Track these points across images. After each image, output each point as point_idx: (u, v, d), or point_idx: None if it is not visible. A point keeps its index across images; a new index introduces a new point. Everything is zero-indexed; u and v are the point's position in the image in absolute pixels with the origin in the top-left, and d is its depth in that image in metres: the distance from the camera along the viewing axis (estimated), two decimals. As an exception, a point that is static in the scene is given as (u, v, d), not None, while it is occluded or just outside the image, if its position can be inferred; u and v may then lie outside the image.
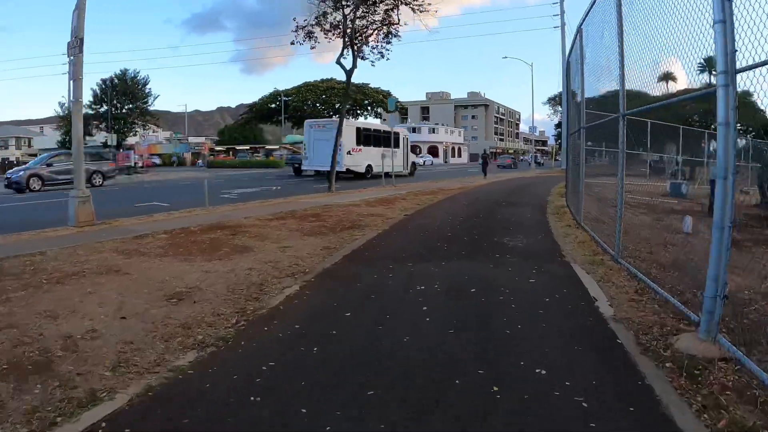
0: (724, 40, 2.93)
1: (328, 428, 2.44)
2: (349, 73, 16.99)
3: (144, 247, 6.75)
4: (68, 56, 9.13)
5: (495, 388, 2.79)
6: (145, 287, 4.82)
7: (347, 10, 16.14)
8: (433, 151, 71.76)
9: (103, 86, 52.30)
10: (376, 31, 16.95)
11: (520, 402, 2.65)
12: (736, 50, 2.87)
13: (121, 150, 44.86)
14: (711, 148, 16.09)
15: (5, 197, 16.84)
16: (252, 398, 2.74)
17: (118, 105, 52.60)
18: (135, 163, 38.45)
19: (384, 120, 47.09)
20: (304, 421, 2.52)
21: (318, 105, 58.82)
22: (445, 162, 72.24)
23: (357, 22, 16.40)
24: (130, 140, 55.42)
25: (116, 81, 52.67)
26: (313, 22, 16.45)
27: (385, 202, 12.89)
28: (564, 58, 29.96)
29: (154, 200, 14.45)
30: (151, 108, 56.04)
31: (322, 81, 59.13)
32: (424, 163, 52.85)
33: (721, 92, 2.97)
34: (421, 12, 16.48)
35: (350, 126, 25.90)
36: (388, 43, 17.16)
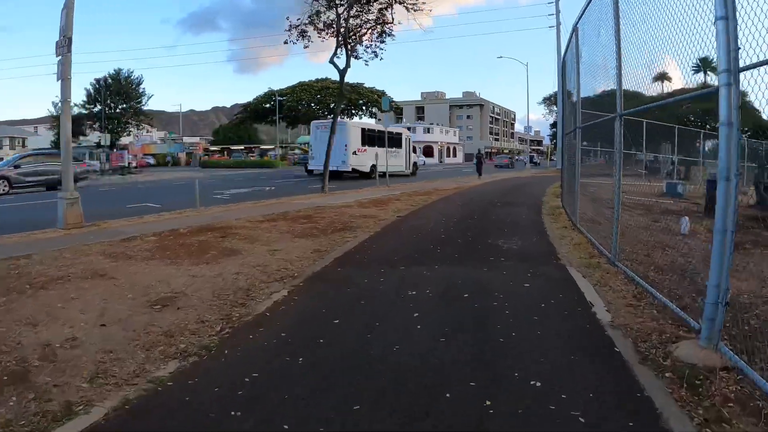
0: (726, 38, 2.83)
1: (312, 445, 2.31)
2: (342, 73, 16.83)
3: (131, 250, 6.60)
4: (57, 55, 8.97)
5: (488, 402, 2.66)
6: (130, 292, 4.69)
7: (341, 9, 15.96)
8: (428, 150, 71.70)
9: (97, 86, 52.12)
10: (369, 31, 16.78)
11: (514, 417, 2.53)
12: (739, 48, 2.77)
13: (115, 150, 44.58)
14: (707, 148, 16.09)
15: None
16: (234, 411, 2.61)
17: (112, 105, 52.41)
18: (129, 163, 38.04)
19: (379, 120, 47.05)
20: (288, 437, 2.39)
21: (313, 105, 58.47)
22: (440, 162, 72.20)
23: (351, 21, 16.23)
24: (124, 140, 55.12)
25: (110, 81, 52.45)
26: (306, 21, 16.28)
27: (379, 203, 12.74)
28: (559, 57, 30.06)
29: (146, 201, 14.25)
30: (146, 108, 56.11)
31: (317, 81, 58.78)
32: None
33: (723, 91, 2.87)
34: (415, 11, 16.35)
35: (356, 127, 26.83)
36: (382, 42, 17.01)
